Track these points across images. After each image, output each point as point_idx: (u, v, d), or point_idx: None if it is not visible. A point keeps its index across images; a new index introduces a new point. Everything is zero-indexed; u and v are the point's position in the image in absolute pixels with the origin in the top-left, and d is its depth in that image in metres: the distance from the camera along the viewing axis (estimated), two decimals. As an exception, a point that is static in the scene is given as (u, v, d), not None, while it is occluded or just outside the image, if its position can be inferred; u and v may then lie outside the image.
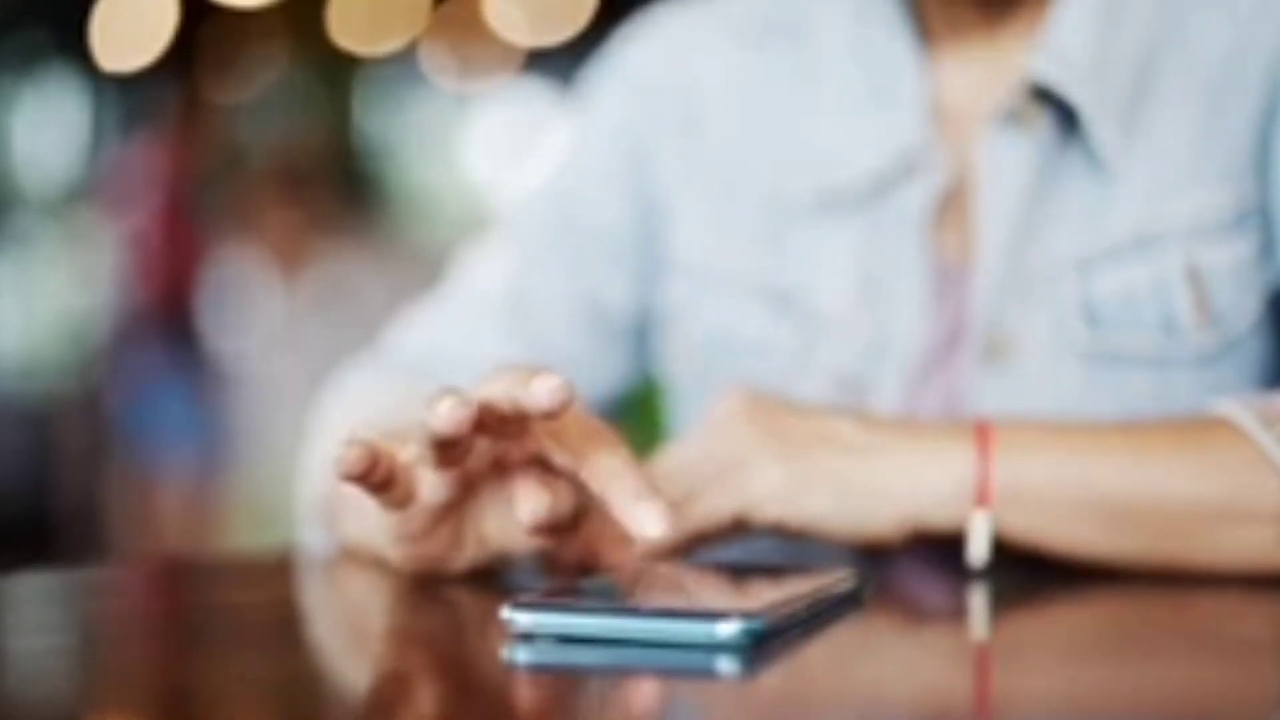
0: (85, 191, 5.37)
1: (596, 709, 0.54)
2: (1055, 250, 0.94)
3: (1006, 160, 0.95)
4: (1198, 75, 0.94)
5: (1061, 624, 0.74)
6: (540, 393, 0.66)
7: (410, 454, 0.72)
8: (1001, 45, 0.99)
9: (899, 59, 0.99)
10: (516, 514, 0.72)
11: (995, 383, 0.94)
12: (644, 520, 0.68)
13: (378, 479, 0.70)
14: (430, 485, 0.72)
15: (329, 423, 1.03)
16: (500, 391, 0.68)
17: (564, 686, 0.57)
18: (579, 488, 0.72)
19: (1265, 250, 0.93)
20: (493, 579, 0.76)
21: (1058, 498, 0.80)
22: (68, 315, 5.23)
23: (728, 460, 0.81)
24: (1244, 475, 0.79)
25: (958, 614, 0.78)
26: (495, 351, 1.06)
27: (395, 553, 0.76)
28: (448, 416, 0.66)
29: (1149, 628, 0.72)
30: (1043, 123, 0.95)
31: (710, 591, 0.68)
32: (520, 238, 1.11)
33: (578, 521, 0.73)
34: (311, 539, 1.00)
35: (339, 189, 5.19)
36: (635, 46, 1.11)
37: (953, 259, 0.97)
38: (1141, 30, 0.96)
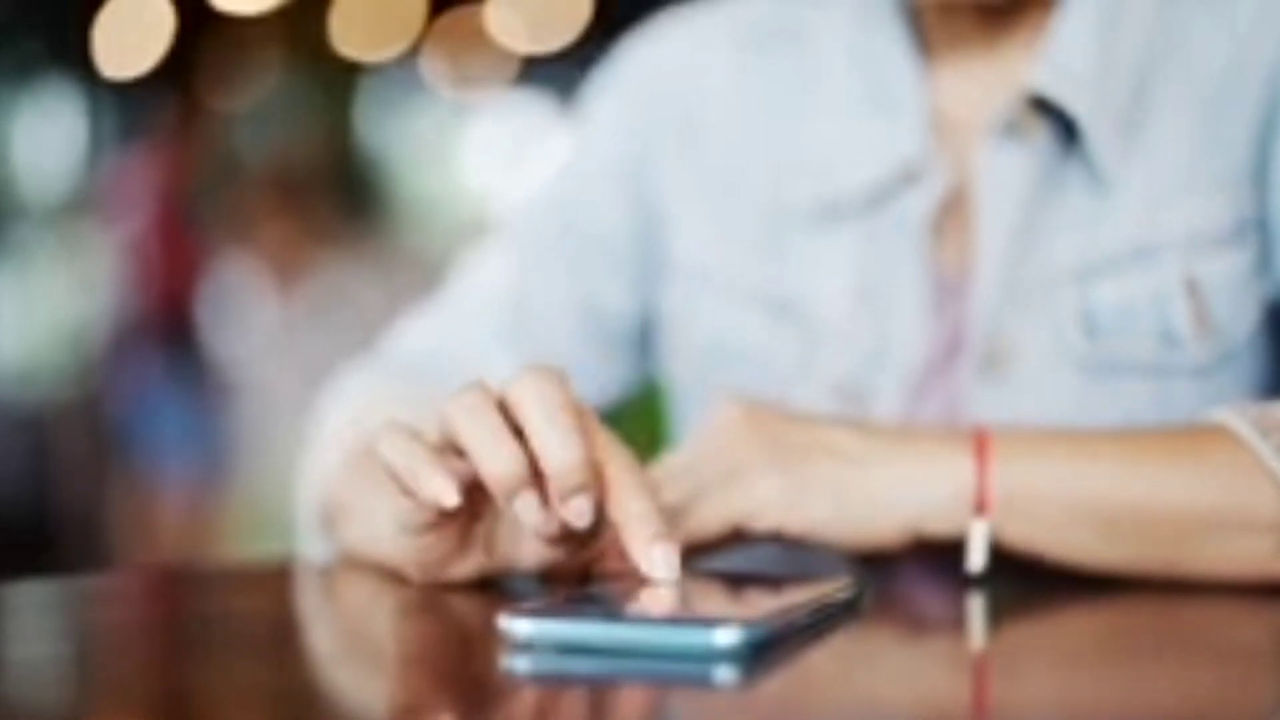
0: (83, 200, 5.37)
1: (596, 718, 0.54)
2: (1054, 260, 0.94)
3: (1005, 170, 0.95)
4: (1196, 87, 0.94)
5: (1059, 632, 0.74)
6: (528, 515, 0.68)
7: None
8: (1001, 56, 0.99)
9: (899, 68, 1.00)
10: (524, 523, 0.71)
11: (994, 392, 0.94)
12: (658, 564, 0.68)
13: None
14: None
15: (329, 428, 1.03)
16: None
17: (563, 695, 0.57)
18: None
19: (1263, 261, 0.93)
20: (492, 587, 0.76)
21: (1055, 505, 0.80)
22: (66, 323, 5.23)
23: (726, 469, 0.82)
24: (1241, 484, 0.79)
25: (956, 622, 0.78)
26: (496, 356, 1.07)
27: (401, 547, 0.76)
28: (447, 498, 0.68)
29: (1146, 635, 0.72)
30: (1042, 133, 0.95)
31: (709, 600, 0.68)
32: (521, 242, 1.11)
33: (588, 537, 0.73)
34: (312, 545, 1.00)
35: (337, 197, 5.19)
36: (637, 53, 1.11)
37: (952, 268, 0.97)
38: (1141, 41, 0.96)
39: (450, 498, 0.68)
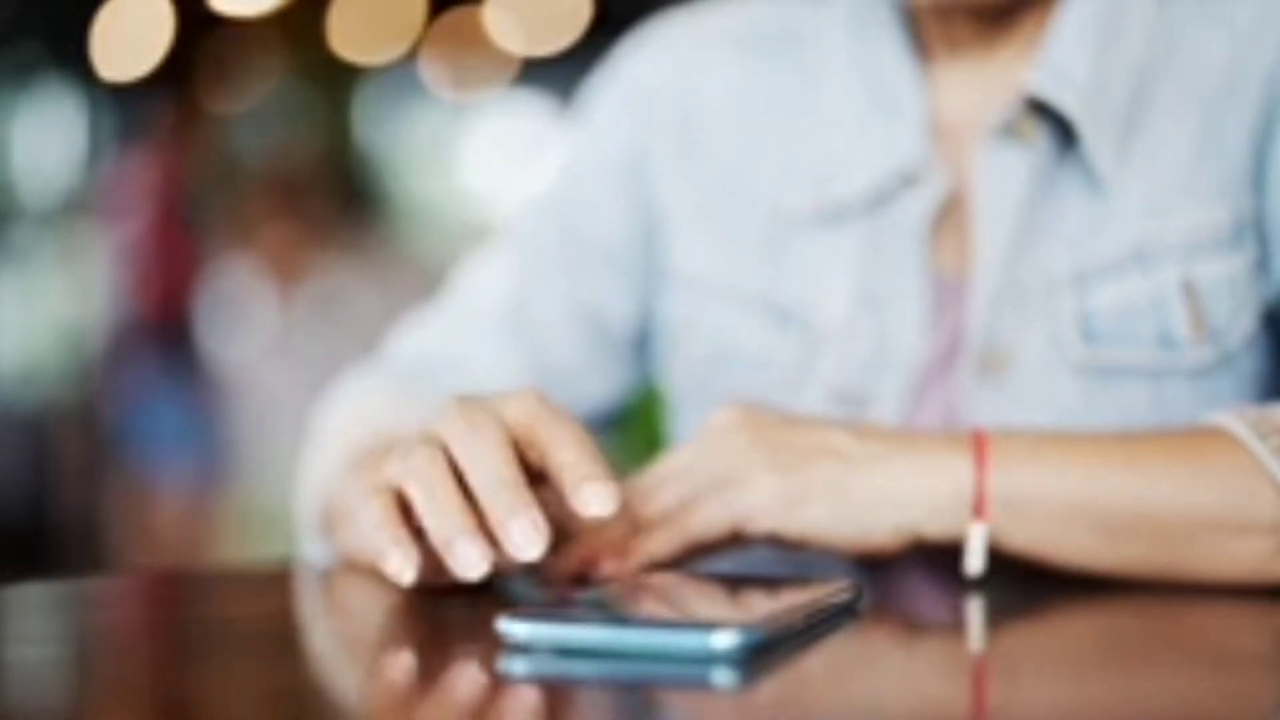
0: (82, 202, 5.37)
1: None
2: (1052, 264, 0.94)
3: (1003, 173, 0.95)
4: (1195, 91, 0.94)
5: (1058, 635, 0.74)
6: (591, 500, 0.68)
7: None
8: (999, 59, 0.99)
9: (897, 72, 1.00)
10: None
11: (992, 396, 0.94)
12: (589, 500, 0.69)
13: None
14: None
15: (329, 431, 1.03)
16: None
17: (560, 698, 0.57)
18: (562, 502, 0.72)
19: (1261, 264, 0.93)
20: (489, 590, 0.76)
21: (1054, 508, 0.80)
22: (65, 325, 5.23)
23: (724, 471, 0.82)
24: (1240, 486, 0.79)
25: (955, 625, 0.78)
26: (496, 361, 1.07)
27: None
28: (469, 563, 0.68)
29: (1145, 639, 0.73)
30: (1039, 137, 0.95)
31: (707, 603, 0.68)
32: (521, 247, 1.11)
33: (562, 535, 0.73)
34: (311, 548, 1.00)
35: (336, 198, 5.19)
36: (636, 58, 1.11)
37: (951, 272, 0.97)
38: (1139, 45, 0.96)
39: (406, 578, 0.69)
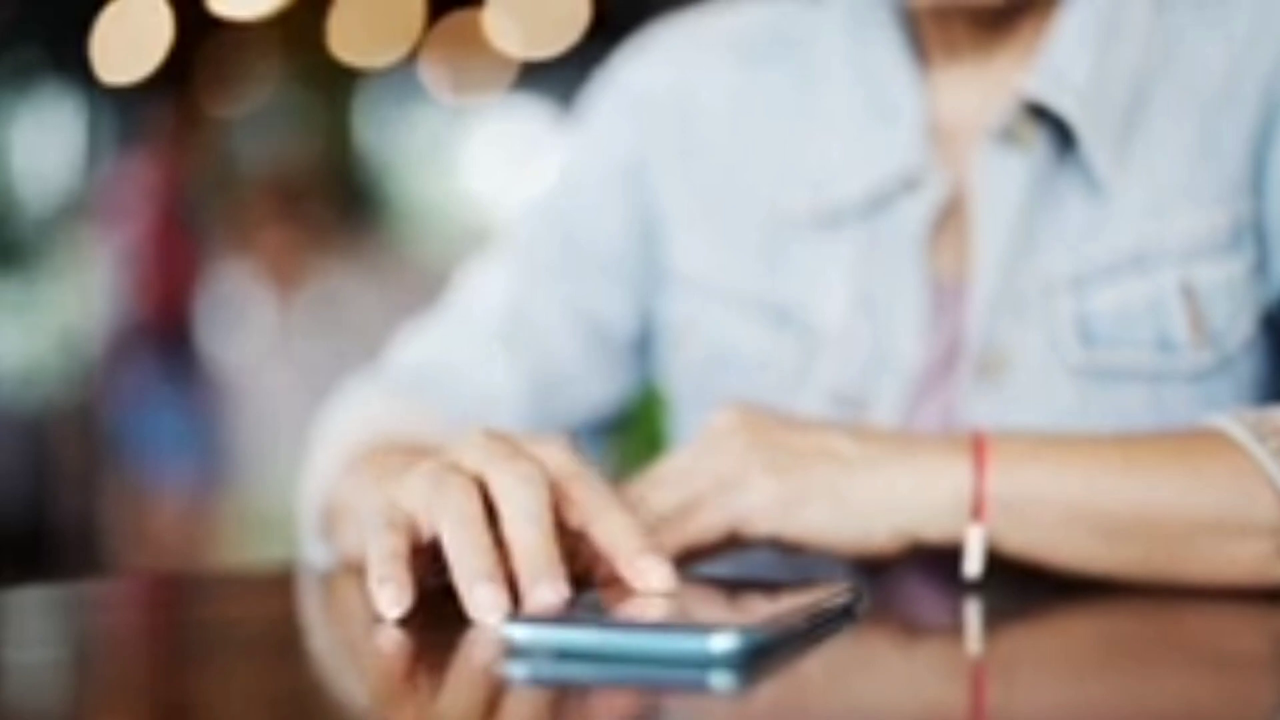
0: (82, 205, 5.38)
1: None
2: (1050, 268, 0.94)
3: (1002, 177, 0.95)
4: (1193, 95, 0.94)
5: (1057, 638, 0.74)
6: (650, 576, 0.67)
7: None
8: (997, 63, 0.99)
9: (896, 75, 1.00)
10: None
11: (991, 399, 0.94)
12: (650, 577, 0.67)
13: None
14: None
15: (330, 435, 1.03)
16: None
17: (560, 701, 0.57)
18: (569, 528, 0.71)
19: (1259, 267, 0.93)
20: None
21: (1053, 510, 0.80)
22: (64, 329, 5.23)
23: (723, 474, 0.82)
24: (1238, 489, 0.79)
25: (953, 628, 0.78)
26: (496, 368, 1.07)
27: None
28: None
29: (1144, 641, 0.73)
30: (1038, 141, 0.95)
31: (706, 606, 0.68)
32: (520, 254, 1.11)
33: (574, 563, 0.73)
34: (313, 551, 1.01)
35: (335, 202, 5.20)
36: (634, 63, 1.11)
37: (949, 276, 0.97)
38: (1138, 49, 0.96)
39: (391, 614, 0.67)
